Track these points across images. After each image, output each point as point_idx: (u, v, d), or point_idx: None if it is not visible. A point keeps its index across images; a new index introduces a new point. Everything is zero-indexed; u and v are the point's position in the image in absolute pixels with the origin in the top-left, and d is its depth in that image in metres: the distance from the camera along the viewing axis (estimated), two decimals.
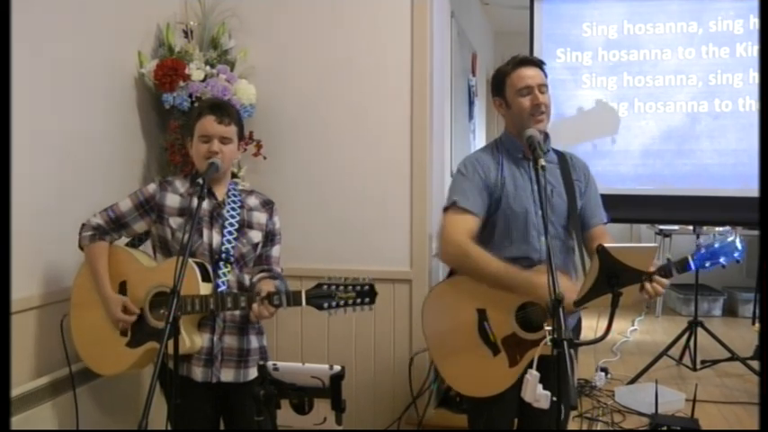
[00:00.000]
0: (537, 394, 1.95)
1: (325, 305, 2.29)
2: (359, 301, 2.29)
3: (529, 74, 2.42)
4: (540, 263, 2.38)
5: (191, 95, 3.26)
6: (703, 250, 2.35)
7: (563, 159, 2.53)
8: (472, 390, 2.51)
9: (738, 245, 2.35)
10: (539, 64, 2.47)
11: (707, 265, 2.35)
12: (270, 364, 1.98)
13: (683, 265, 2.34)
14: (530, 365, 2.08)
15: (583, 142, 4.45)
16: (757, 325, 4.40)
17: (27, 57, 2.58)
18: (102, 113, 3.08)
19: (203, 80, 3.28)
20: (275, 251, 2.60)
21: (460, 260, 2.44)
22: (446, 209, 2.50)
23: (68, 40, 2.85)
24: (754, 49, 4.24)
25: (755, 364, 4.26)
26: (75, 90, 2.90)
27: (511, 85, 2.43)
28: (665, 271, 2.26)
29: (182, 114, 3.28)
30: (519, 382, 2.28)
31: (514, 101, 2.42)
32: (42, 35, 2.69)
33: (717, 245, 2.35)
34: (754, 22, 4.23)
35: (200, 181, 2.24)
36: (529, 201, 2.43)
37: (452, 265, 2.52)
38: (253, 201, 2.58)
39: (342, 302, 2.28)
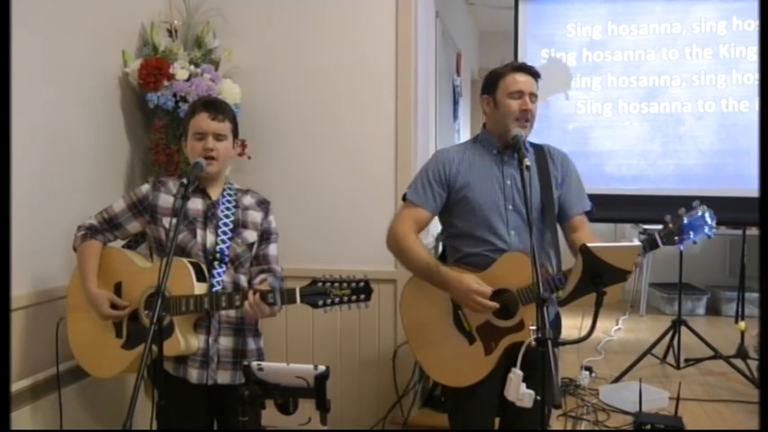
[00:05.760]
0: (520, 393, 1.96)
1: (320, 303, 2.25)
2: (354, 298, 2.25)
3: (523, 79, 2.45)
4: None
5: (175, 95, 3.25)
6: (671, 225, 2.36)
7: (540, 152, 2.56)
8: (451, 379, 2.53)
9: (708, 219, 2.38)
10: (534, 74, 2.50)
11: (676, 240, 2.36)
12: (254, 364, 1.98)
13: (650, 244, 2.37)
14: (513, 363, 2.08)
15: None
16: (741, 323, 4.43)
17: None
18: (86, 113, 3.06)
19: (188, 79, 3.27)
20: (272, 249, 2.58)
21: (395, 250, 2.55)
22: (403, 197, 2.61)
23: (51, 39, 2.83)
24: (737, 51, 4.28)
25: (738, 362, 4.29)
26: (59, 90, 2.88)
27: (503, 86, 2.46)
28: None
29: (166, 114, 3.27)
30: (495, 379, 2.30)
31: (503, 101, 2.45)
32: (25, 34, 2.66)
33: (685, 220, 2.37)
34: (738, 23, 4.27)
35: (185, 180, 2.22)
36: (497, 195, 2.47)
37: (392, 253, 2.59)
38: (248, 200, 2.57)
39: (337, 300, 2.25)
